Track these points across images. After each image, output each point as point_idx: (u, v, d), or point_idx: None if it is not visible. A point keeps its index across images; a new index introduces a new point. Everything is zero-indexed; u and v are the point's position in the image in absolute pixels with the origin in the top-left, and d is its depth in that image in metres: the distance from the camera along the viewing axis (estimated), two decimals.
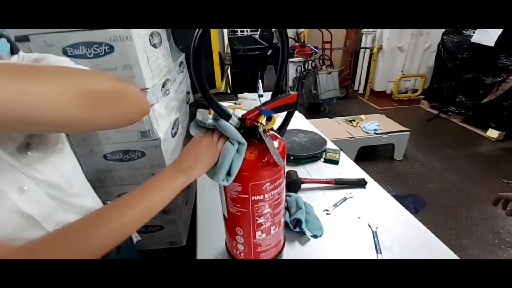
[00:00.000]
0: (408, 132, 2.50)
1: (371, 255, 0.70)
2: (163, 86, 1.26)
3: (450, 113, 3.46)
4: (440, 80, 3.62)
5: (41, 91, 0.27)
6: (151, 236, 1.44)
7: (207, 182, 1.04)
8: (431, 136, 3.09)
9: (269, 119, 0.51)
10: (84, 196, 0.54)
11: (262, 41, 4.28)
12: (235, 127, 0.48)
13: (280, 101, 0.52)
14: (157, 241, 1.47)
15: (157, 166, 1.25)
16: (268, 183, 0.52)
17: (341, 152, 1.17)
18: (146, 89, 1.06)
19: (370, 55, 4.03)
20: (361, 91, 4.42)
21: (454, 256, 0.68)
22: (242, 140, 0.48)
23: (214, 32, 2.12)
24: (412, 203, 1.65)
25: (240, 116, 0.50)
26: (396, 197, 0.93)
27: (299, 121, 1.64)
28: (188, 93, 1.94)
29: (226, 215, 0.59)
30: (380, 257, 0.69)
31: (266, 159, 0.50)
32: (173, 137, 1.36)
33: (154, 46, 1.18)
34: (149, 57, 1.09)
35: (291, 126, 1.48)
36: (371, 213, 0.84)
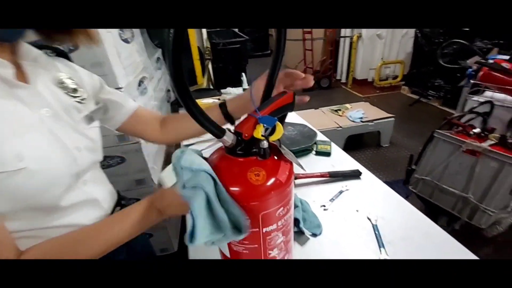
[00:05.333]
0: (393, 119, 2.53)
1: (374, 250, 0.67)
2: (139, 85, 1.17)
3: (430, 97, 3.55)
4: (418, 66, 3.69)
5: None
6: None
7: None
8: (414, 120, 3.15)
9: (272, 129, 0.41)
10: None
11: (242, 34, 4.18)
12: (231, 144, 0.39)
13: (276, 103, 0.42)
14: None
15: (140, 171, 1.16)
16: (281, 208, 0.42)
17: (332, 143, 1.14)
18: (120, 88, 0.96)
19: (350, 43, 4.04)
20: (343, 80, 4.45)
21: (459, 246, 0.66)
22: (212, 173, 0.39)
23: None
24: (403, 188, 1.66)
25: (233, 130, 0.41)
26: (387, 183, 0.90)
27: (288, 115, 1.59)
28: (168, 91, 1.84)
29: (228, 255, 0.47)
30: (383, 251, 0.66)
31: (275, 178, 0.40)
32: None
33: (125, 41, 1.08)
34: (120, 53, 0.99)
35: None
36: (369, 205, 0.81)
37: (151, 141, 0.69)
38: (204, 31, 2.55)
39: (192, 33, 2.02)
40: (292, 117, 1.53)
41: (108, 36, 0.91)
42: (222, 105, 0.58)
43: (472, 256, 0.63)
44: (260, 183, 0.39)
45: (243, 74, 1.36)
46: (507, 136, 1.22)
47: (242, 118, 0.43)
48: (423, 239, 0.69)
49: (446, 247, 0.67)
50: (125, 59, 1.03)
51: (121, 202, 0.62)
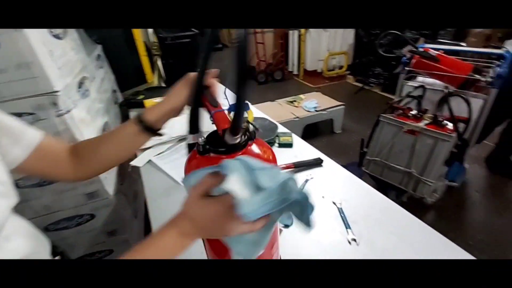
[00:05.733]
0: (343, 106, 2.71)
1: (341, 232, 0.71)
2: (79, 86, 1.03)
3: (371, 84, 3.89)
4: (360, 56, 4.01)
5: None
6: None
7: (159, 190, 0.91)
8: (360, 107, 3.43)
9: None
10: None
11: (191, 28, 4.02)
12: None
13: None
14: None
15: (91, 183, 1.04)
16: None
17: (293, 134, 1.17)
18: (56, 92, 0.84)
19: (299, 36, 4.19)
20: (295, 72, 4.61)
21: (409, 216, 0.74)
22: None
23: None
24: (357, 170, 1.80)
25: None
26: (344, 167, 0.97)
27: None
28: (114, 91, 1.68)
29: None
30: (349, 232, 0.71)
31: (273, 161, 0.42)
32: None
33: (57, 37, 0.94)
34: (52, 51, 0.86)
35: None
36: (332, 191, 0.86)
37: (63, 180, 0.55)
38: None
39: None
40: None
41: (33, 32, 0.78)
42: (139, 119, 0.48)
43: (419, 222, 0.72)
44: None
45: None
46: (438, 115, 1.40)
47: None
48: (380, 214, 0.76)
49: (398, 218, 0.74)
50: (58, 58, 0.89)
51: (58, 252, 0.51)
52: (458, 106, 1.45)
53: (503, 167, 2.05)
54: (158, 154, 1.11)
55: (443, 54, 1.52)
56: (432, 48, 1.57)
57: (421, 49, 1.56)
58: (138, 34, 1.84)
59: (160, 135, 0.51)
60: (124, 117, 1.65)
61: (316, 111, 2.56)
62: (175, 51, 4.04)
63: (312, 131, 2.81)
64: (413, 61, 1.60)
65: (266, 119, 1.28)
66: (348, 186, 0.89)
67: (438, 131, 1.34)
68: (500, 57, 1.46)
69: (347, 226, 0.72)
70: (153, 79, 2.10)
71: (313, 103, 2.61)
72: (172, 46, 3.99)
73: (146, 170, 1.03)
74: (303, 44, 4.16)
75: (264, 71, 4.30)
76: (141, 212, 1.55)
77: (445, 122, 1.39)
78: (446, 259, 0.51)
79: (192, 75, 0.46)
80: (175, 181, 0.95)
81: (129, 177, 1.44)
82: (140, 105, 1.62)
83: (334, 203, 0.81)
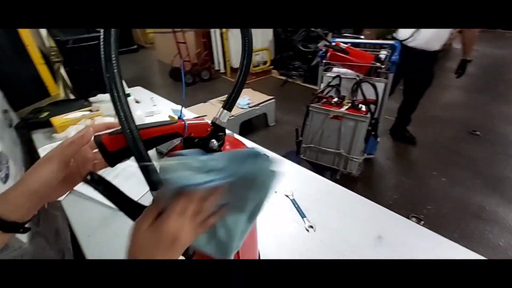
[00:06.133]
0: (273, 100, 2.85)
1: (298, 222, 0.75)
2: None
3: (294, 77, 4.21)
4: (281, 51, 4.28)
5: None
6: None
7: (92, 222, 0.77)
8: (287, 98, 3.68)
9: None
10: None
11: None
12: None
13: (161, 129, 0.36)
14: None
15: None
16: None
17: (234, 134, 1.17)
18: None
19: (221, 34, 4.17)
20: (222, 70, 4.59)
21: (345, 191, 0.84)
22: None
23: None
24: (295, 158, 1.93)
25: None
26: (283, 156, 1.04)
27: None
28: (5, 111, 1.34)
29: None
30: (306, 220, 0.75)
31: None
32: (4, 183, 0.91)
33: None
34: None
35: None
36: (283, 184, 0.89)
37: None
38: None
39: (24, 30, 1.51)
40: (186, 114, 1.46)
41: None
42: None
43: (351, 194, 0.83)
44: None
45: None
46: (354, 100, 1.61)
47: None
48: (327, 197, 0.83)
49: (342, 196, 0.83)
50: None
51: None
52: (367, 91, 1.70)
53: (403, 136, 2.53)
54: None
55: (351, 47, 1.75)
56: (341, 42, 1.79)
57: (333, 43, 1.75)
58: (28, 38, 1.51)
59: (27, 230, 0.35)
60: (25, 143, 1.34)
61: (250, 107, 2.62)
62: (80, 56, 3.50)
63: (248, 127, 2.87)
64: (329, 54, 1.79)
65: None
66: (295, 176, 0.94)
67: (356, 114, 1.55)
68: (391, 47, 1.77)
69: (302, 215, 0.76)
70: (58, 91, 1.76)
71: (246, 100, 2.66)
72: (76, 51, 3.45)
73: (70, 203, 0.86)
74: (226, 42, 4.17)
75: (190, 71, 4.14)
76: (69, 251, 1.30)
77: (360, 105, 1.61)
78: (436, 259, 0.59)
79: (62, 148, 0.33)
80: (111, 208, 0.82)
81: (45, 215, 1.19)
82: (45, 124, 1.34)
83: (286, 196, 0.84)
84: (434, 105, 3.34)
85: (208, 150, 0.38)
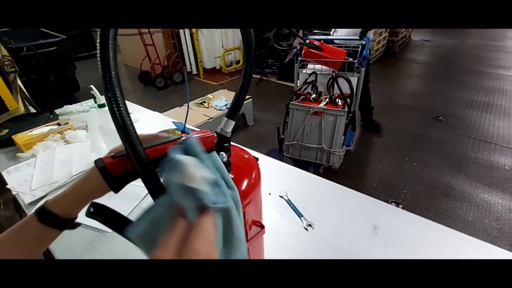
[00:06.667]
0: (251, 99, 2.85)
1: (296, 222, 0.76)
2: None
3: (268, 75, 4.24)
4: None
5: None
6: None
7: (77, 249, 0.72)
8: (264, 96, 3.69)
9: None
10: None
11: (53, 32, 3.24)
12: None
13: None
14: None
15: None
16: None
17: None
18: None
19: (191, 34, 4.07)
20: (195, 72, 4.49)
21: (329, 183, 0.86)
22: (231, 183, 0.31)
23: None
24: (278, 156, 1.95)
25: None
26: (266, 155, 1.05)
27: (157, 120, 1.43)
28: None
29: None
30: (303, 220, 0.76)
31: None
32: None
33: None
34: None
35: (152, 131, 1.28)
36: (276, 185, 0.89)
37: None
38: None
39: None
40: (164, 122, 1.40)
41: None
42: (42, 214, 0.35)
43: (343, 188, 0.86)
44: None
45: (92, 86, 1.07)
46: (332, 95, 1.66)
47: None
48: (319, 194, 0.85)
49: (331, 191, 0.85)
50: None
51: None
52: (341, 85, 1.77)
53: (371, 126, 2.67)
54: None
55: (324, 44, 1.79)
56: (314, 39, 1.83)
57: (307, 41, 1.79)
58: None
59: (78, 225, 0.38)
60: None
61: (227, 108, 2.58)
62: (37, 64, 3.25)
63: None
64: (303, 51, 1.82)
65: (167, 130, 1.20)
66: (285, 176, 0.94)
67: (335, 108, 1.60)
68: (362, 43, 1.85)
69: (299, 215, 0.77)
70: (17, 105, 1.60)
71: (223, 101, 2.62)
72: (32, 58, 3.20)
73: None
74: (197, 42, 4.08)
75: (161, 74, 3.99)
76: None
77: (337, 100, 1.66)
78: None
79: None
80: (96, 230, 0.77)
81: None
82: (6, 143, 1.22)
83: (281, 196, 0.84)
84: (399, 94, 3.56)
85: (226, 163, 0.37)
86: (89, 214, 0.31)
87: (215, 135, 0.39)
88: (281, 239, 0.71)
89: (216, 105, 2.58)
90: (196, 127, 1.20)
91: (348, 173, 2.18)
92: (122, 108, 0.27)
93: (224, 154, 0.38)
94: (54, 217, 0.35)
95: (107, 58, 0.26)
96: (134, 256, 0.65)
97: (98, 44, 0.26)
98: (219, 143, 0.39)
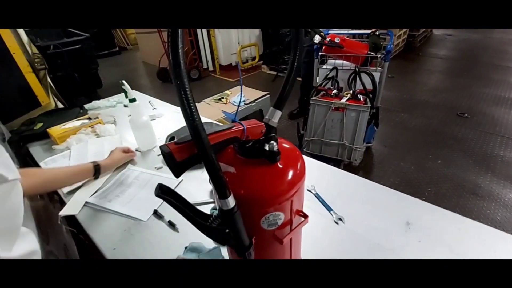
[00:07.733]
0: (268, 95, 2.84)
1: (326, 216, 0.76)
2: None
3: (284, 71, 4.21)
4: (269, 46, 4.26)
5: None
6: None
7: (114, 236, 0.75)
8: None
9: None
10: None
11: (77, 31, 3.36)
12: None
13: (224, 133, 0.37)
14: None
15: None
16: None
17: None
18: None
19: (208, 31, 4.10)
20: (211, 68, 4.53)
21: (367, 182, 0.85)
22: None
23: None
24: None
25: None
26: None
27: (180, 115, 1.46)
28: None
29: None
30: (333, 214, 0.75)
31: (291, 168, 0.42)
32: None
33: None
34: None
35: (176, 125, 1.29)
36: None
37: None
38: (21, 31, 1.86)
39: (6, 35, 1.42)
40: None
41: None
42: (96, 166, 0.92)
43: (370, 183, 0.85)
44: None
45: (123, 81, 1.11)
46: (354, 91, 1.63)
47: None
48: (344, 187, 0.85)
49: (358, 185, 0.85)
50: None
51: None
52: (363, 80, 1.73)
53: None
54: (94, 193, 0.91)
55: (345, 38, 1.76)
56: (335, 34, 1.80)
57: (327, 36, 1.76)
58: (13, 45, 1.42)
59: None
60: (21, 156, 1.28)
61: (246, 104, 2.60)
62: (63, 62, 3.36)
63: None
64: (324, 47, 1.80)
65: (212, 123, 1.22)
66: (310, 169, 0.94)
67: (358, 104, 1.57)
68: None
69: (329, 209, 0.77)
70: (49, 100, 1.68)
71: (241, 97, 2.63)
72: (58, 56, 3.31)
73: (85, 217, 0.83)
74: (213, 39, 4.11)
75: None
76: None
77: (359, 95, 1.63)
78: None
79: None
80: (129, 218, 0.80)
81: (53, 231, 1.14)
82: (41, 136, 1.28)
83: (309, 190, 0.84)
84: (420, 90, 3.44)
85: (269, 152, 0.38)
86: (158, 194, 0.33)
87: (264, 125, 0.40)
88: (313, 233, 0.71)
89: (234, 101, 2.59)
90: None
91: (369, 169, 2.14)
92: (188, 95, 0.28)
93: (274, 143, 0.38)
94: (99, 168, 0.90)
95: (177, 51, 0.28)
96: (169, 244, 0.67)
97: (169, 41, 0.28)
98: (267, 132, 0.40)
